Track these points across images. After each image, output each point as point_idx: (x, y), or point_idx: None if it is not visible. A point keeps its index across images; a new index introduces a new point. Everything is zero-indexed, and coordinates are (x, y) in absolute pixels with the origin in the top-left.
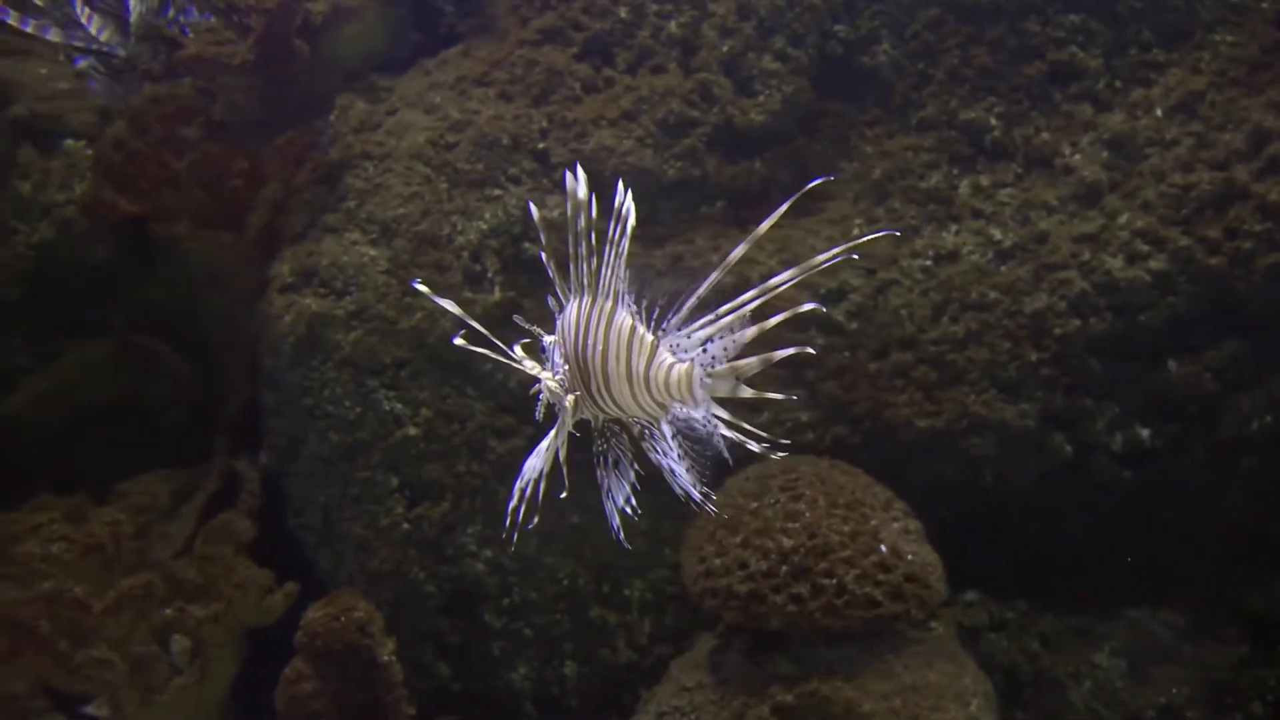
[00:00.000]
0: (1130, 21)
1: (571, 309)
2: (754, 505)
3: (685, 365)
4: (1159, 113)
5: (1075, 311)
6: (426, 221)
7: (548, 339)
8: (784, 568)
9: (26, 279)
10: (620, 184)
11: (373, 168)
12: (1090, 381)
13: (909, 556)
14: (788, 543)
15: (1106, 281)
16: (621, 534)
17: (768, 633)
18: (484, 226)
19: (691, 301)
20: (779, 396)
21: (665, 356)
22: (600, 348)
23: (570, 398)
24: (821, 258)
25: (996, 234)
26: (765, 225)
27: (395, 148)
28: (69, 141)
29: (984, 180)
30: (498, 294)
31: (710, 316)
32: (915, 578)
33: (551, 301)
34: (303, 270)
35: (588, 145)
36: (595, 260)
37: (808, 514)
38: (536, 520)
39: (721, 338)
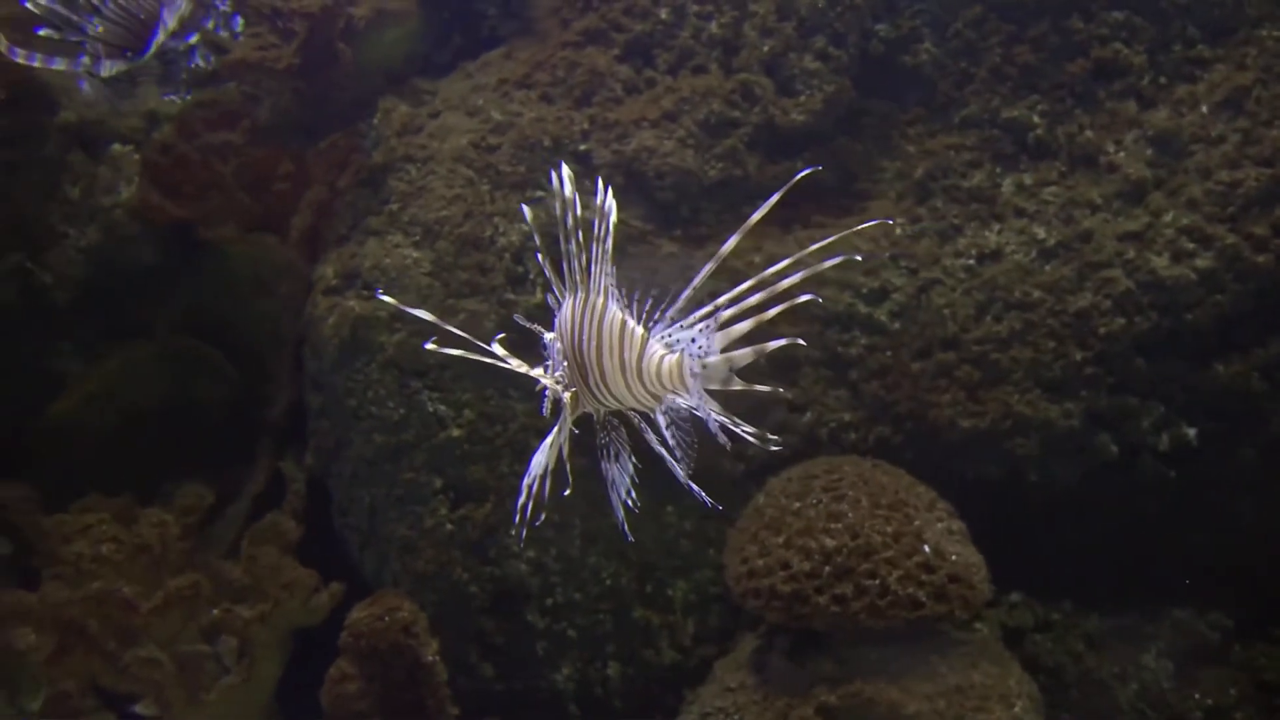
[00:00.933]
0: (1174, 17)
1: (567, 306)
2: (796, 505)
3: (675, 356)
4: (1204, 109)
5: (1120, 310)
6: (469, 224)
7: (548, 336)
8: (827, 568)
9: (75, 283)
10: (600, 182)
11: (415, 170)
12: (1136, 381)
13: (952, 557)
14: (830, 543)
15: (1152, 280)
16: (625, 524)
17: (811, 633)
18: (526, 228)
19: (687, 292)
20: (767, 389)
21: (656, 348)
22: (594, 342)
23: (567, 395)
24: (815, 247)
25: (1040, 233)
26: (755, 217)
27: (438, 150)
28: (116, 146)
29: (1027, 179)
30: (540, 295)
31: (709, 308)
32: (959, 578)
33: (551, 299)
34: (346, 272)
35: (629, 146)
36: (584, 257)
37: (850, 514)
38: (544, 516)
39: (715, 329)
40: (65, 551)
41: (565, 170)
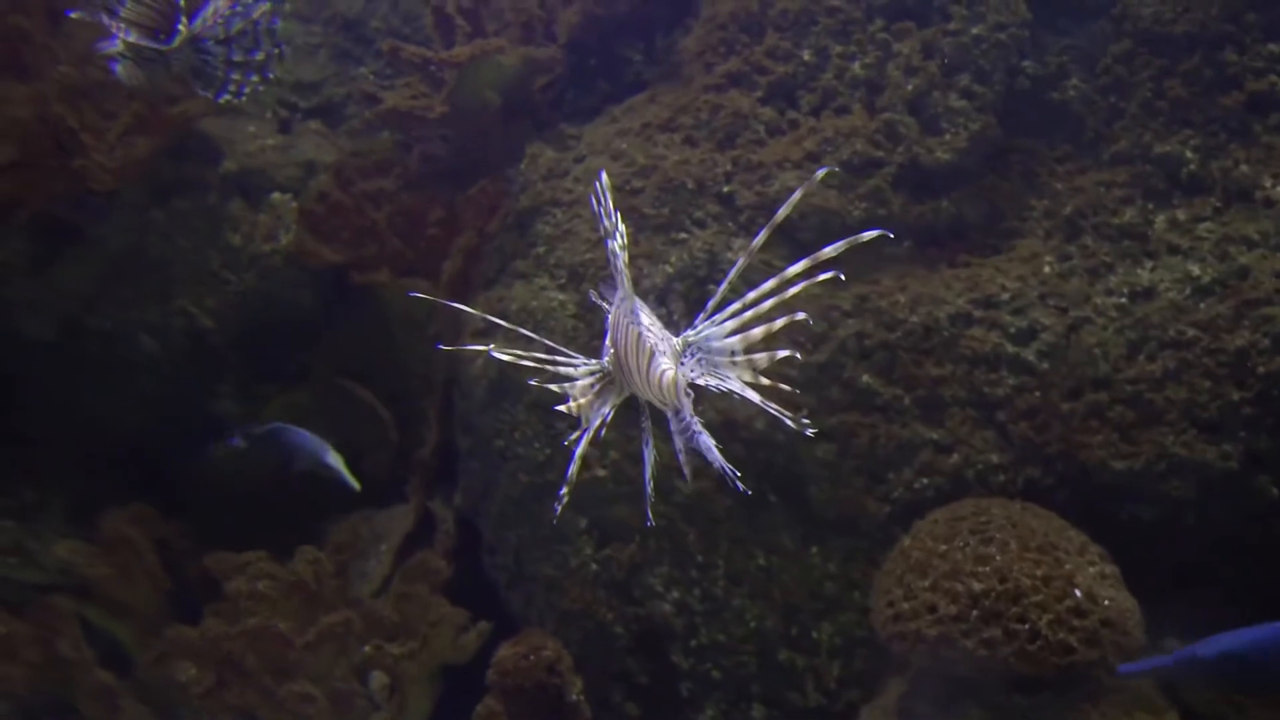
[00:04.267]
0: None
1: (617, 295)
2: (943, 548)
3: (673, 372)
4: None
5: (1279, 349)
6: None
7: (610, 317)
8: (974, 612)
9: (234, 326)
10: (618, 215)
11: (561, 214)
12: None
13: (1105, 601)
14: (978, 586)
15: None
16: (649, 512)
17: (958, 678)
18: (669, 270)
19: (716, 300)
20: (786, 387)
21: (661, 361)
22: (624, 339)
23: (576, 403)
24: (829, 250)
25: (1195, 270)
26: (782, 214)
27: (583, 194)
28: (275, 195)
29: (1181, 215)
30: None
31: (738, 304)
32: (1112, 623)
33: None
34: (494, 315)
35: (772, 187)
36: (616, 263)
37: (999, 557)
38: (567, 492)
39: (737, 331)
40: (225, 588)
41: (605, 179)
